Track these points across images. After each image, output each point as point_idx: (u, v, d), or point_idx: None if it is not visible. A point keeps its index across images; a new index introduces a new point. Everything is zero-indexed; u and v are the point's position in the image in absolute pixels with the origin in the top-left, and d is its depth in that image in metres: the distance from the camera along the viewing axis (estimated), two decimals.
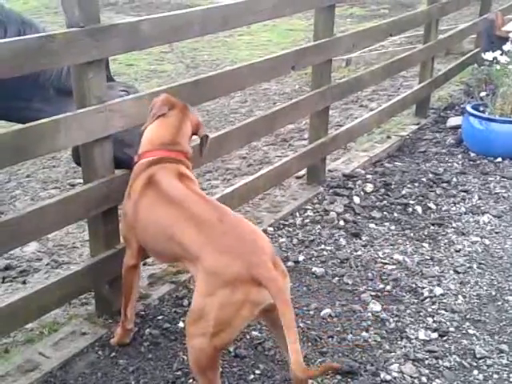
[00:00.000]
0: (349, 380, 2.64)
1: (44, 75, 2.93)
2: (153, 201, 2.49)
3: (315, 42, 4.02)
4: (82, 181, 2.89)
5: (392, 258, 3.58)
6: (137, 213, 2.53)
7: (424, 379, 2.66)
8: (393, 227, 3.94)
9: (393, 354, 2.81)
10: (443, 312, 3.11)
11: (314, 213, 4.12)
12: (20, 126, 2.42)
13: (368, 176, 4.63)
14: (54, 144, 2.50)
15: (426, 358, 2.78)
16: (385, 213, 4.11)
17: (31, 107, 3.01)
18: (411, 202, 4.25)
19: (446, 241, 3.78)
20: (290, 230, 3.91)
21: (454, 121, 5.71)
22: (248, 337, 2.89)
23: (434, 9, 5.49)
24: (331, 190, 4.39)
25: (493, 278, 3.41)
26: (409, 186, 4.49)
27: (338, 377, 2.66)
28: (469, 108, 5.09)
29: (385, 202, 4.25)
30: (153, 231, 2.48)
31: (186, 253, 2.31)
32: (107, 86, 3.01)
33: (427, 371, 2.71)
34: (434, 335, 2.93)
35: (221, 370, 2.66)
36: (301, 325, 2.97)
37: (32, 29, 2.95)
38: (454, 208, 4.20)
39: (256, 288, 2.09)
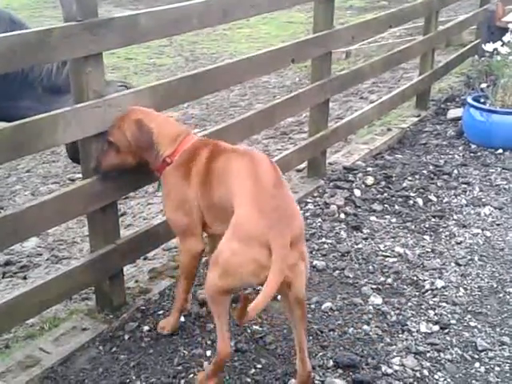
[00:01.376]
0: (350, 373, 2.64)
1: (33, 74, 2.91)
2: (224, 169, 2.56)
3: (315, 34, 4.00)
4: (81, 175, 2.87)
5: (393, 250, 3.57)
6: (209, 190, 2.59)
7: (425, 372, 2.66)
8: (394, 220, 3.93)
9: (394, 347, 2.80)
10: (444, 304, 3.10)
11: (315, 206, 4.11)
12: (18, 121, 2.40)
13: (368, 169, 4.62)
14: (52, 139, 2.48)
15: (428, 351, 2.78)
16: (386, 205, 4.10)
17: (20, 106, 3.00)
18: (412, 194, 4.24)
19: (447, 233, 3.77)
20: None
21: (454, 112, 5.69)
22: (249, 331, 2.89)
23: (434, 0, 5.46)
24: (332, 183, 4.37)
25: (494, 270, 3.40)
26: (409, 178, 4.47)
27: (340, 370, 2.65)
28: (469, 99, 5.07)
29: (385, 194, 4.24)
30: (224, 201, 2.52)
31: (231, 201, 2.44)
32: (106, 82, 3.01)
33: (429, 364, 2.70)
34: (436, 328, 2.93)
35: None
36: None
37: (22, 28, 2.93)
38: (454, 200, 4.19)
39: (267, 254, 2.22)
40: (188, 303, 2.99)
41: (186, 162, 2.67)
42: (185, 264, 2.79)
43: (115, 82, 3.05)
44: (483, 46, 5.18)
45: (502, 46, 4.99)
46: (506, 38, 5.02)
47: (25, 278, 3.68)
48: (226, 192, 2.52)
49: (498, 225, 3.87)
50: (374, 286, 3.24)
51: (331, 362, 2.70)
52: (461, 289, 3.23)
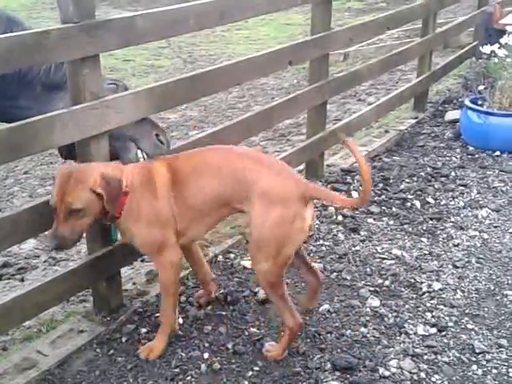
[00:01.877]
0: (347, 376, 2.63)
1: (32, 72, 2.90)
2: (192, 174, 2.61)
3: (312, 36, 4.00)
4: None
5: (390, 252, 3.57)
6: (178, 199, 2.60)
7: (423, 375, 2.65)
8: (391, 222, 3.93)
9: (391, 349, 2.80)
10: (442, 307, 3.10)
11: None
12: (15, 123, 2.39)
13: None
14: (49, 141, 2.48)
15: (425, 354, 2.77)
16: (383, 207, 4.10)
17: (19, 105, 2.99)
18: (410, 196, 4.24)
19: (444, 235, 3.77)
20: None
21: (452, 115, 5.70)
22: (246, 333, 2.89)
23: (432, 2, 5.47)
24: (329, 185, 4.37)
25: (491, 272, 3.40)
26: (407, 180, 4.48)
27: (337, 373, 2.65)
28: (467, 102, 5.07)
29: (383, 196, 4.24)
30: (203, 197, 2.60)
31: (241, 190, 2.54)
32: None
33: (426, 366, 2.70)
34: (433, 330, 2.92)
35: (219, 367, 2.68)
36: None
37: (19, 26, 2.93)
38: (452, 202, 4.19)
39: (303, 205, 2.48)
40: (177, 322, 2.88)
41: (144, 182, 2.59)
42: (170, 278, 2.68)
43: (106, 78, 3.04)
44: (481, 48, 5.19)
45: (499, 48, 4.99)
46: (504, 40, 5.03)
47: (22, 280, 3.67)
48: (209, 186, 2.59)
49: (495, 227, 3.87)
50: (372, 289, 3.24)
51: (329, 365, 2.69)
52: (458, 291, 3.23)
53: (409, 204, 4.14)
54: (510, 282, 3.30)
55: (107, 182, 2.46)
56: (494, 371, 2.68)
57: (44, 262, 3.87)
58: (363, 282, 3.29)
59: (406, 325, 2.96)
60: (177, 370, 2.67)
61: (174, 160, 2.68)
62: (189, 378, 2.62)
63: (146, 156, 2.91)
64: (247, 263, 3.43)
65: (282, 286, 2.58)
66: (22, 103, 2.99)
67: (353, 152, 2.56)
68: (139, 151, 2.92)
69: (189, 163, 2.66)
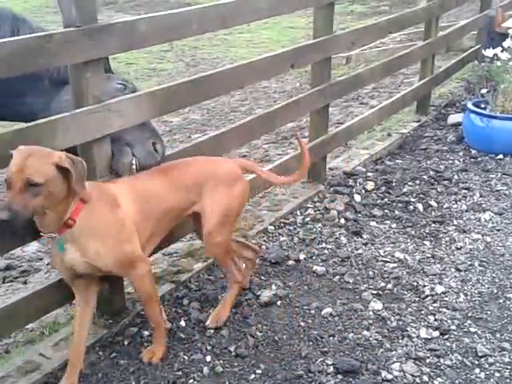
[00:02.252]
0: (350, 379, 2.63)
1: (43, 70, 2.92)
2: (139, 192, 2.67)
3: (314, 39, 4.00)
4: None
5: (393, 256, 3.57)
6: (139, 212, 2.62)
7: (425, 378, 2.65)
8: (394, 225, 3.92)
9: (394, 352, 2.80)
10: (444, 310, 3.09)
11: (315, 211, 4.11)
12: (17, 126, 2.40)
13: (369, 174, 4.62)
14: (51, 144, 2.46)
15: (428, 357, 2.77)
16: (386, 211, 4.09)
17: (27, 102, 3.00)
18: (412, 199, 4.23)
19: (447, 238, 3.77)
20: (291, 228, 3.90)
21: (454, 118, 5.69)
22: (249, 336, 2.88)
23: (434, 6, 5.47)
24: (332, 188, 4.37)
25: (494, 275, 3.39)
26: (410, 183, 4.47)
27: (340, 376, 2.65)
28: (470, 105, 5.07)
29: (386, 199, 4.24)
30: (159, 206, 2.72)
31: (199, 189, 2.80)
32: (106, 77, 3.01)
33: (428, 370, 2.69)
34: (436, 333, 2.92)
35: (221, 369, 2.68)
36: (301, 324, 2.96)
37: (25, 25, 2.95)
38: (455, 205, 4.18)
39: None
40: (166, 322, 2.91)
41: (101, 201, 2.50)
42: (149, 287, 2.68)
43: (115, 77, 3.05)
44: (483, 51, 5.19)
45: (501, 51, 5.00)
46: (506, 43, 5.03)
47: (25, 282, 3.67)
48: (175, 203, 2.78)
49: (498, 230, 3.86)
50: (374, 292, 3.23)
51: (331, 368, 2.69)
52: (461, 294, 3.22)
53: (411, 207, 4.14)
54: None
55: (73, 160, 2.31)
56: (497, 374, 2.67)
57: (47, 264, 3.86)
58: (366, 286, 3.29)
59: (408, 328, 2.96)
60: (179, 372, 2.67)
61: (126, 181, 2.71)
62: (191, 381, 2.62)
63: (137, 163, 2.83)
64: None
65: (230, 252, 2.99)
66: (31, 99, 3.00)
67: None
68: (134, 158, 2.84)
69: (144, 181, 2.75)
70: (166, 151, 3.00)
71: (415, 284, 3.30)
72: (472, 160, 4.91)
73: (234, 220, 2.93)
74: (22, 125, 2.46)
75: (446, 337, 2.90)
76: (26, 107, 2.98)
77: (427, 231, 3.85)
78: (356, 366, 2.69)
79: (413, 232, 3.84)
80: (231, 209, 2.85)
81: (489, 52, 5.08)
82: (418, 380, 2.64)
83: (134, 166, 2.81)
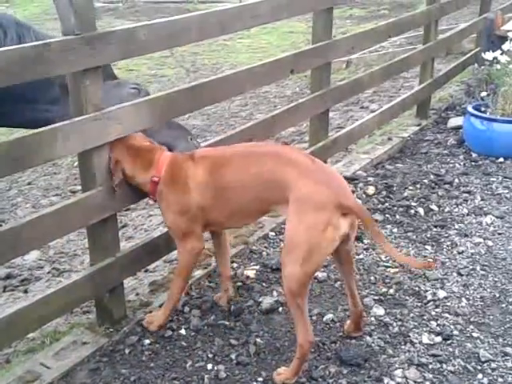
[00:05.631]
0: None
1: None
2: (229, 168, 2.73)
3: (314, 45, 4.00)
4: (81, 188, 2.87)
5: (394, 261, 3.55)
6: (212, 192, 2.73)
7: None
8: (395, 230, 3.91)
9: (396, 358, 2.78)
10: (447, 315, 3.08)
11: None
12: (16, 135, 2.40)
13: (369, 178, 4.61)
14: (51, 153, 2.48)
15: (430, 363, 2.76)
16: (387, 215, 4.08)
17: (38, 108, 3.01)
18: (413, 203, 4.22)
19: (448, 243, 3.75)
20: None
21: (455, 121, 5.68)
22: (250, 343, 2.87)
23: (433, 9, 5.47)
24: None
25: (496, 279, 3.38)
26: (411, 187, 4.46)
27: (343, 382, 2.63)
28: (470, 108, 5.06)
29: (387, 204, 4.23)
30: (240, 193, 2.71)
31: (281, 192, 2.57)
32: (116, 84, 3.03)
33: (431, 376, 2.68)
34: (438, 339, 2.91)
35: (224, 375, 2.66)
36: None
37: (30, 31, 2.96)
38: (456, 209, 4.17)
39: (339, 215, 2.45)
40: (179, 303, 3.05)
41: (177, 175, 2.78)
42: (185, 263, 2.87)
43: (128, 82, 3.07)
44: (483, 54, 5.18)
45: (501, 54, 4.98)
46: (506, 46, 5.02)
47: (26, 291, 3.67)
48: (253, 194, 2.68)
49: (499, 234, 3.85)
50: (376, 297, 3.22)
51: (333, 374, 2.67)
52: (463, 299, 3.21)
53: (412, 211, 4.13)
54: None
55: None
56: (500, 380, 2.66)
57: (47, 273, 3.87)
58: (367, 291, 3.28)
59: (410, 334, 2.95)
60: (180, 381, 2.66)
61: (211, 156, 2.81)
62: None
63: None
64: (250, 273, 3.42)
65: (302, 296, 2.53)
66: (40, 106, 3.00)
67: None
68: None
69: (225, 164, 2.75)
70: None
71: (417, 289, 3.28)
72: (473, 163, 4.90)
73: (309, 257, 2.46)
74: (22, 133, 2.45)
75: (448, 342, 2.89)
76: (37, 114, 2.99)
77: (428, 235, 3.83)
78: (358, 372, 2.67)
79: (414, 236, 3.83)
80: (302, 241, 2.47)
81: (488, 55, 5.07)
82: None
83: None
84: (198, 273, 3.43)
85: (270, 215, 4.06)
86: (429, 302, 3.18)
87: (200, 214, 2.78)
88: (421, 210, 4.13)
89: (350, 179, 4.56)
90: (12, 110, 3.03)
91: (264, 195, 2.67)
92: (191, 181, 2.75)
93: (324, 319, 3.04)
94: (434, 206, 4.19)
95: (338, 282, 3.36)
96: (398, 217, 4.06)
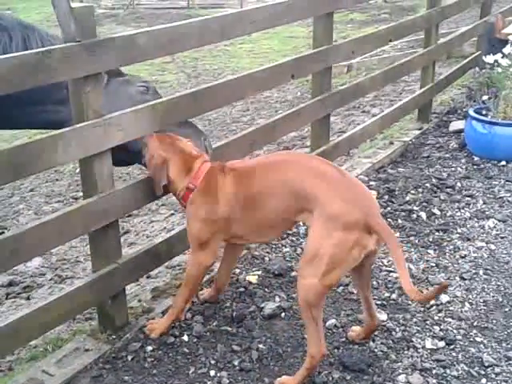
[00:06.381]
0: None
1: None
2: (257, 180, 2.74)
3: (314, 49, 4.00)
4: (82, 194, 2.87)
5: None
6: (241, 203, 2.74)
7: None
8: (397, 234, 3.90)
9: (400, 364, 2.78)
10: (450, 320, 3.07)
11: None
12: (17, 142, 2.40)
13: (371, 183, 4.60)
14: (52, 160, 2.48)
15: (434, 368, 2.75)
16: (389, 220, 4.07)
17: (47, 110, 3.02)
18: (415, 208, 4.22)
19: (451, 247, 3.74)
20: (294, 239, 3.88)
21: (456, 125, 5.68)
22: (254, 348, 2.86)
23: (434, 13, 5.46)
24: None
25: (499, 283, 3.37)
26: (412, 191, 4.46)
27: None
28: (471, 112, 5.06)
29: (389, 208, 4.22)
30: (269, 205, 2.70)
31: (308, 204, 2.57)
32: (125, 81, 3.06)
33: (435, 381, 2.67)
34: (441, 344, 2.90)
35: (227, 381, 2.66)
36: (306, 336, 2.93)
37: (35, 32, 2.97)
38: (458, 213, 4.16)
39: (366, 234, 2.46)
40: (183, 314, 3.04)
41: (211, 186, 2.80)
42: (193, 275, 2.89)
43: (134, 79, 3.10)
44: (484, 58, 5.18)
45: (502, 57, 4.98)
46: (507, 49, 5.02)
47: (28, 298, 3.67)
48: (280, 203, 2.67)
49: (502, 238, 3.84)
50: (379, 302, 3.21)
51: (336, 380, 2.66)
52: (466, 303, 3.20)
53: (415, 216, 4.12)
54: None
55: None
56: None
57: (50, 280, 3.87)
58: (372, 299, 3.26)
59: (413, 339, 2.94)
60: None
61: (239, 168, 2.84)
62: None
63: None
64: (252, 278, 3.41)
65: (318, 309, 2.53)
66: (49, 107, 3.00)
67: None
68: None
69: (253, 175, 2.77)
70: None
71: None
72: (475, 167, 4.89)
73: (330, 268, 2.47)
74: (23, 140, 2.46)
75: (451, 347, 2.88)
76: (46, 115, 2.99)
77: (431, 240, 3.83)
78: (361, 378, 2.66)
79: (416, 241, 3.82)
80: (327, 255, 2.47)
81: (489, 58, 5.07)
82: None
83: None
84: None
85: None
86: (432, 306, 3.17)
87: (224, 227, 2.80)
88: (423, 214, 4.13)
89: None
90: (20, 113, 3.03)
91: (290, 204, 2.66)
92: (221, 192, 2.77)
93: (327, 325, 3.03)
94: (436, 210, 4.18)
95: (341, 287, 3.35)
96: (400, 221, 4.05)
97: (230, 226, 2.80)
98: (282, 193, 2.66)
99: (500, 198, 4.36)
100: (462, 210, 4.20)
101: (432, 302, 3.20)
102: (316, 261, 2.47)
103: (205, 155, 2.95)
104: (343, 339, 2.93)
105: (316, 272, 2.46)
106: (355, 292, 3.29)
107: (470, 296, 3.26)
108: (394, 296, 3.26)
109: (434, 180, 4.64)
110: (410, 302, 3.21)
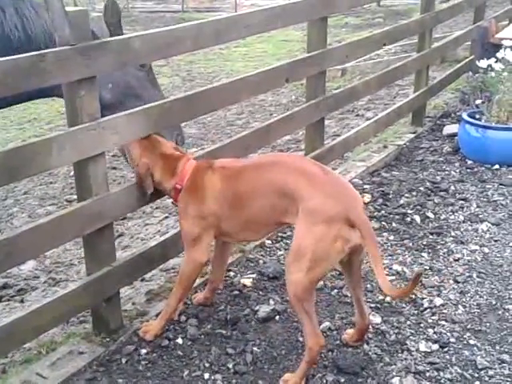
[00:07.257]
0: None
1: None
2: (244, 178, 2.78)
3: (309, 53, 4.02)
4: (76, 197, 2.87)
5: (391, 268, 3.55)
6: (228, 201, 2.78)
7: None
8: (391, 237, 3.92)
9: (393, 366, 2.78)
10: (443, 323, 3.08)
11: None
12: (11, 145, 2.40)
13: (365, 186, 4.62)
14: (46, 163, 2.48)
15: (427, 371, 2.75)
16: (383, 223, 4.09)
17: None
18: (409, 211, 4.23)
19: (445, 250, 3.76)
20: (288, 242, 3.88)
21: (450, 129, 5.70)
22: (248, 351, 2.87)
23: (428, 18, 5.49)
24: None
25: (493, 286, 3.38)
26: (406, 195, 4.47)
27: None
28: (465, 116, 5.08)
29: (383, 211, 4.23)
30: (255, 203, 2.74)
31: (293, 202, 2.60)
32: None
33: None
34: (435, 347, 2.91)
35: None
36: (300, 339, 2.94)
37: (27, 2, 2.99)
38: (452, 217, 4.18)
39: (348, 227, 2.47)
40: (176, 313, 3.05)
41: (197, 184, 2.84)
42: (187, 273, 2.90)
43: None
44: (477, 62, 5.20)
45: (495, 62, 5.01)
46: (500, 54, 5.04)
47: (22, 301, 3.66)
48: (265, 202, 2.70)
49: (495, 241, 3.85)
50: (373, 305, 3.22)
51: (331, 383, 2.67)
52: (460, 306, 3.21)
53: (408, 219, 4.13)
54: (511, 296, 3.28)
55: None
56: None
57: (44, 282, 3.86)
58: (364, 299, 3.26)
59: (407, 341, 2.94)
60: None
61: (228, 166, 2.88)
62: None
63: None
64: (247, 281, 3.42)
65: (309, 302, 2.57)
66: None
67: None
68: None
69: (241, 173, 2.81)
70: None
71: (413, 297, 3.28)
72: (468, 170, 4.91)
73: (314, 262, 2.49)
74: (17, 143, 2.46)
75: (445, 350, 2.89)
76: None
77: (425, 243, 3.84)
78: (355, 381, 2.67)
79: (410, 244, 3.84)
80: (309, 250, 2.49)
81: (483, 63, 5.09)
82: None
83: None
84: None
85: None
86: (425, 309, 3.18)
87: (215, 223, 2.83)
88: (417, 218, 4.14)
89: None
90: None
91: (276, 203, 2.69)
92: (208, 189, 2.82)
93: (321, 327, 3.03)
94: (430, 214, 4.20)
95: (335, 290, 3.36)
96: (394, 224, 4.07)
97: (219, 223, 2.83)
98: (267, 191, 2.70)
99: (493, 201, 4.38)
100: (456, 214, 4.21)
101: (426, 304, 3.21)
102: (300, 256, 2.51)
103: (188, 155, 3.01)
104: (337, 342, 2.94)
105: (301, 267, 2.50)
106: (349, 295, 3.30)
107: (464, 299, 3.27)
108: (387, 299, 3.26)
109: (427, 183, 4.66)
110: (404, 305, 3.22)
